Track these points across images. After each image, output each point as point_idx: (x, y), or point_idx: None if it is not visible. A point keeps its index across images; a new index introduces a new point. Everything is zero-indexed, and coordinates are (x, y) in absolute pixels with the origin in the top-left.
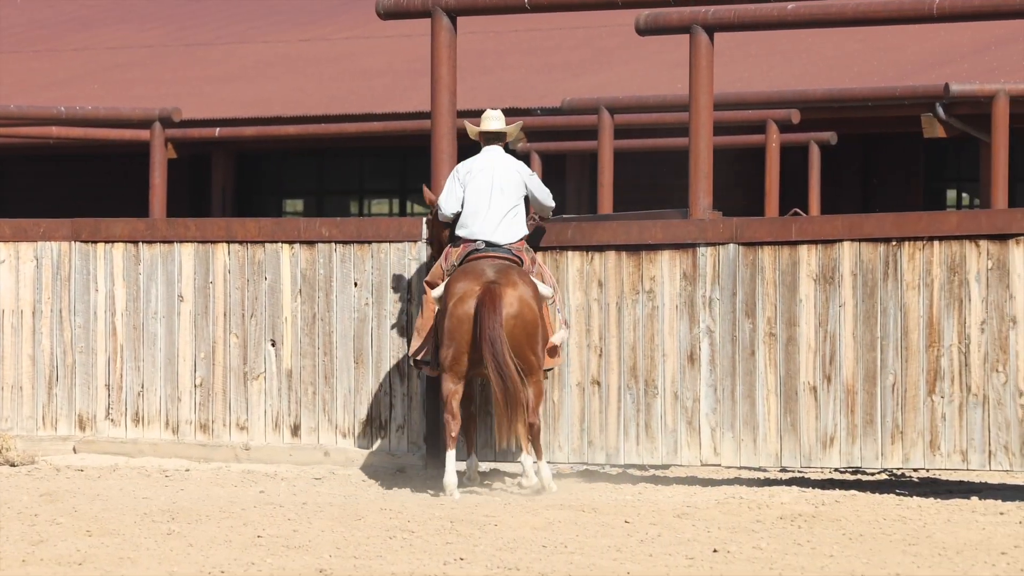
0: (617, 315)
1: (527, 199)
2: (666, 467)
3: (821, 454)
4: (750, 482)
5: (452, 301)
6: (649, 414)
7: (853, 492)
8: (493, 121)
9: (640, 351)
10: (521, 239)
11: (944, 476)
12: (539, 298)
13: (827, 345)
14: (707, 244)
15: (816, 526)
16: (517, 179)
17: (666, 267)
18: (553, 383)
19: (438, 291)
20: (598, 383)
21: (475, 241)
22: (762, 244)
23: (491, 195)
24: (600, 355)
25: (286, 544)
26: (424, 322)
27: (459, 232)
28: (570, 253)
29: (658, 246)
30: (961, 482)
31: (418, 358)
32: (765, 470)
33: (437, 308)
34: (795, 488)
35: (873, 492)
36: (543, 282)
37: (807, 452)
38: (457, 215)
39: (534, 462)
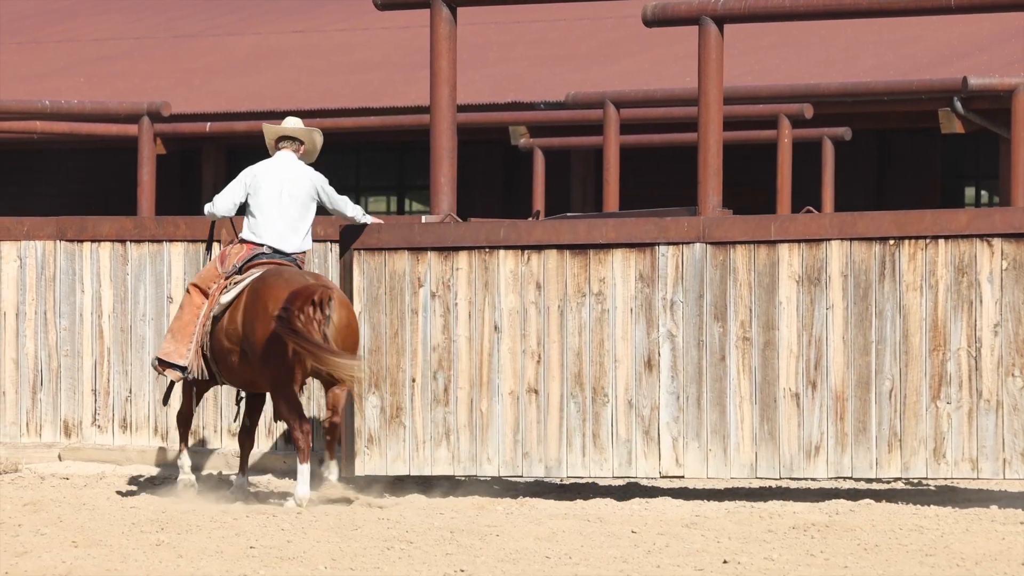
0: (559, 319)
1: (323, 209)
2: (622, 479)
3: (805, 464)
4: (761, 491)
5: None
6: (597, 424)
7: (868, 501)
8: (288, 123)
9: (587, 357)
10: (305, 252)
11: (963, 485)
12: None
13: (811, 350)
14: (668, 243)
15: (830, 536)
16: (309, 187)
17: (618, 268)
18: (481, 392)
19: (229, 296)
20: (535, 391)
21: (262, 246)
22: (734, 244)
23: (280, 201)
24: (539, 362)
25: (280, 555)
26: (183, 324)
27: (247, 236)
28: (502, 252)
29: (608, 245)
30: (980, 491)
31: (173, 362)
32: (768, 478)
33: (216, 312)
34: (807, 498)
35: (888, 501)
36: None
37: (788, 462)
38: (227, 217)
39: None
